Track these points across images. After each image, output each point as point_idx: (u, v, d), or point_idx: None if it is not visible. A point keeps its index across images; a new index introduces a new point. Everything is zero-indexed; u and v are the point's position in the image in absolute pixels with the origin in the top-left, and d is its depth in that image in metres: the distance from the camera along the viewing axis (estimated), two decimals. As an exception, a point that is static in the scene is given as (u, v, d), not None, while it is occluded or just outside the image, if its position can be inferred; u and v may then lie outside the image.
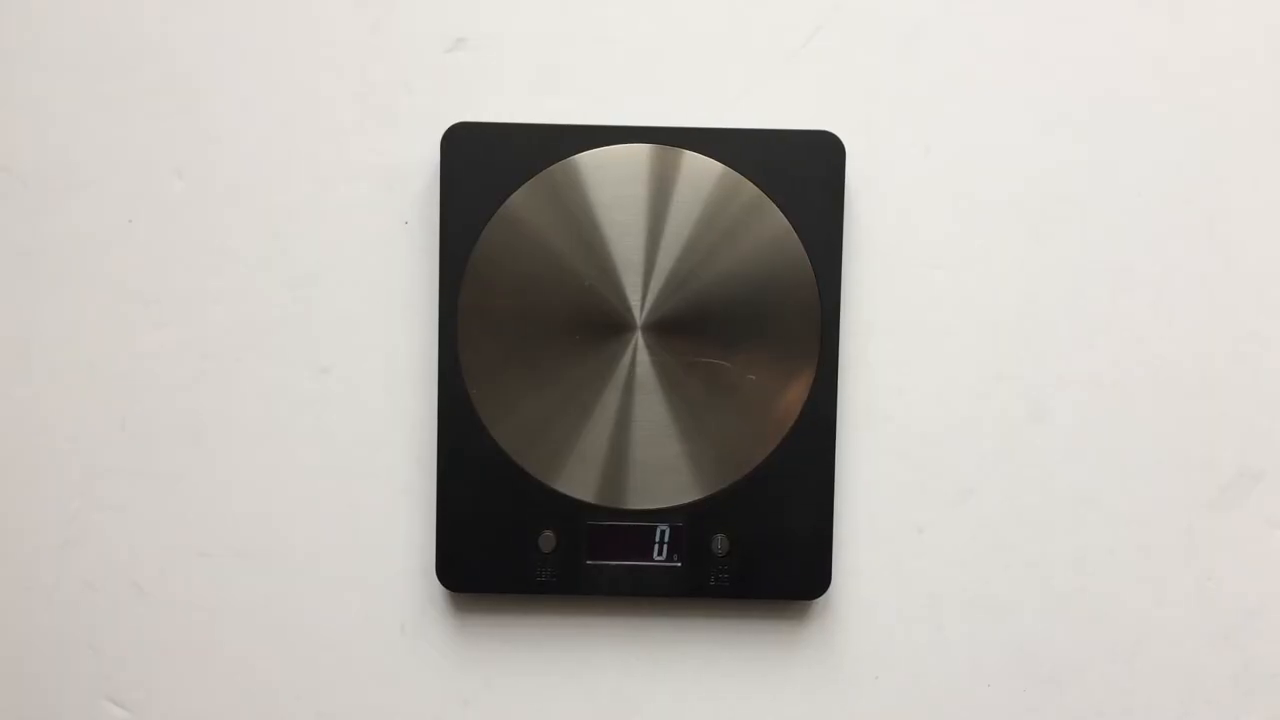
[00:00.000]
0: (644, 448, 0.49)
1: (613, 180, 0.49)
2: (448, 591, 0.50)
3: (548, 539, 0.49)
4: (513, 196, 0.49)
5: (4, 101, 0.51)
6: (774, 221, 0.48)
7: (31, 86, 0.51)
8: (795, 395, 0.49)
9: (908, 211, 0.49)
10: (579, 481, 0.49)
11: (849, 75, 0.51)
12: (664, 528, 0.49)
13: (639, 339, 0.48)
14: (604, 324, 0.48)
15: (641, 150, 0.49)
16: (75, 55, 0.51)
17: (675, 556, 0.49)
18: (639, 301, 0.48)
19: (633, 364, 0.49)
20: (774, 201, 0.48)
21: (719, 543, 0.49)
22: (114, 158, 0.51)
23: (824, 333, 0.49)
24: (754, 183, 0.49)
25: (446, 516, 0.49)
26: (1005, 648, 0.51)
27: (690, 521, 0.49)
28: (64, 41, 0.51)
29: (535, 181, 0.49)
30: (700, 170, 0.49)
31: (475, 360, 0.49)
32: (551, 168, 0.49)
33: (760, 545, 0.49)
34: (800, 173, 0.49)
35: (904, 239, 0.50)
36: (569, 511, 0.49)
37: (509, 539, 0.49)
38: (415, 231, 0.50)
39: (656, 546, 0.49)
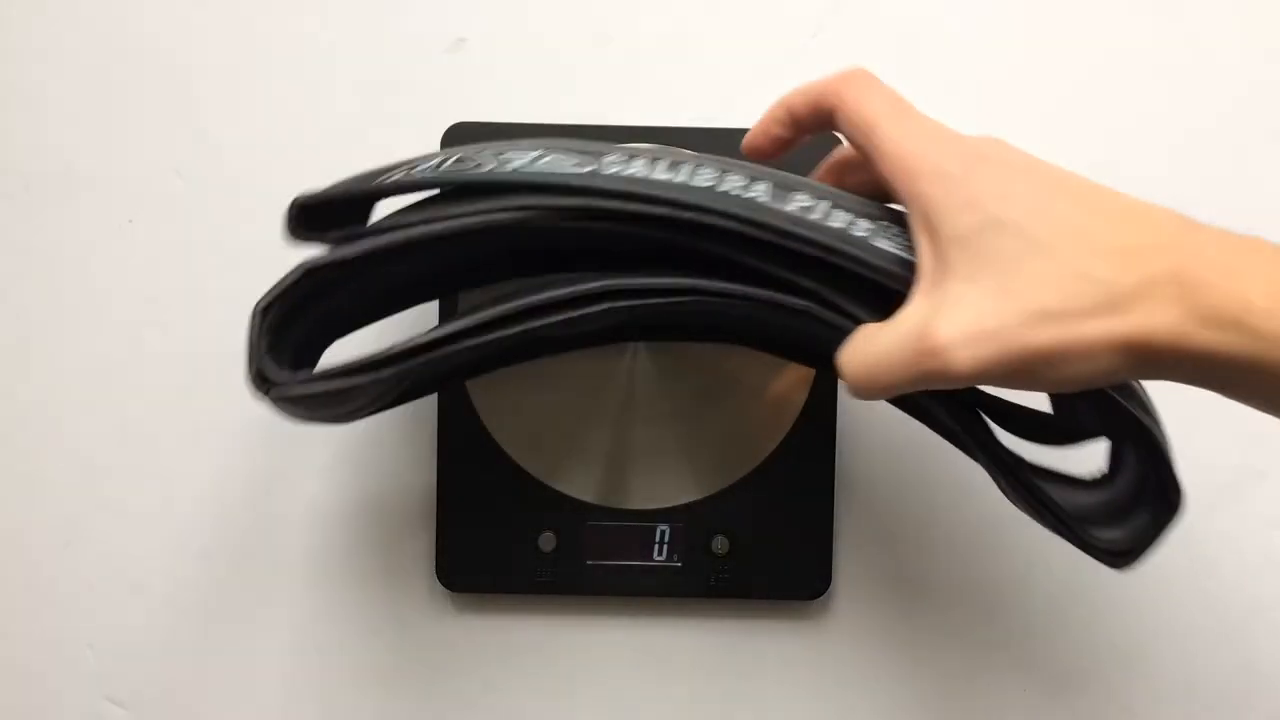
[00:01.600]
0: (644, 448, 0.49)
1: (613, 180, 0.48)
2: (448, 591, 0.50)
3: (548, 539, 0.49)
4: (513, 196, 0.48)
5: (4, 101, 0.51)
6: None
7: (31, 86, 0.51)
8: (795, 395, 0.49)
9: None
10: (579, 481, 0.49)
11: (849, 75, 0.51)
12: (664, 528, 0.49)
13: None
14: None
15: (641, 150, 0.49)
16: (75, 55, 0.51)
17: (675, 556, 0.49)
18: (639, 301, 0.48)
19: (633, 364, 0.49)
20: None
21: (719, 543, 0.49)
22: (114, 158, 0.51)
23: (824, 333, 0.49)
24: (754, 183, 0.48)
25: (446, 516, 0.49)
26: (1005, 648, 0.51)
27: (690, 521, 0.49)
28: (64, 41, 0.51)
29: (535, 181, 0.49)
30: (700, 170, 0.48)
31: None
32: (551, 168, 0.49)
33: (760, 545, 0.49)
34: (801, 172, 0.48)
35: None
36: (569, 511, 0.49)
37: (509, 539, 0.49)
38: (415, 231, 0.50)
39: (656, 546, 0.49)
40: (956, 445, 0.40)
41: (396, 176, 0.39)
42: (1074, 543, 0.38)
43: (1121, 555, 0.37)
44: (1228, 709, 0.51)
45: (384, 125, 0.51)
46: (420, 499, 0.50)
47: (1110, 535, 0.37)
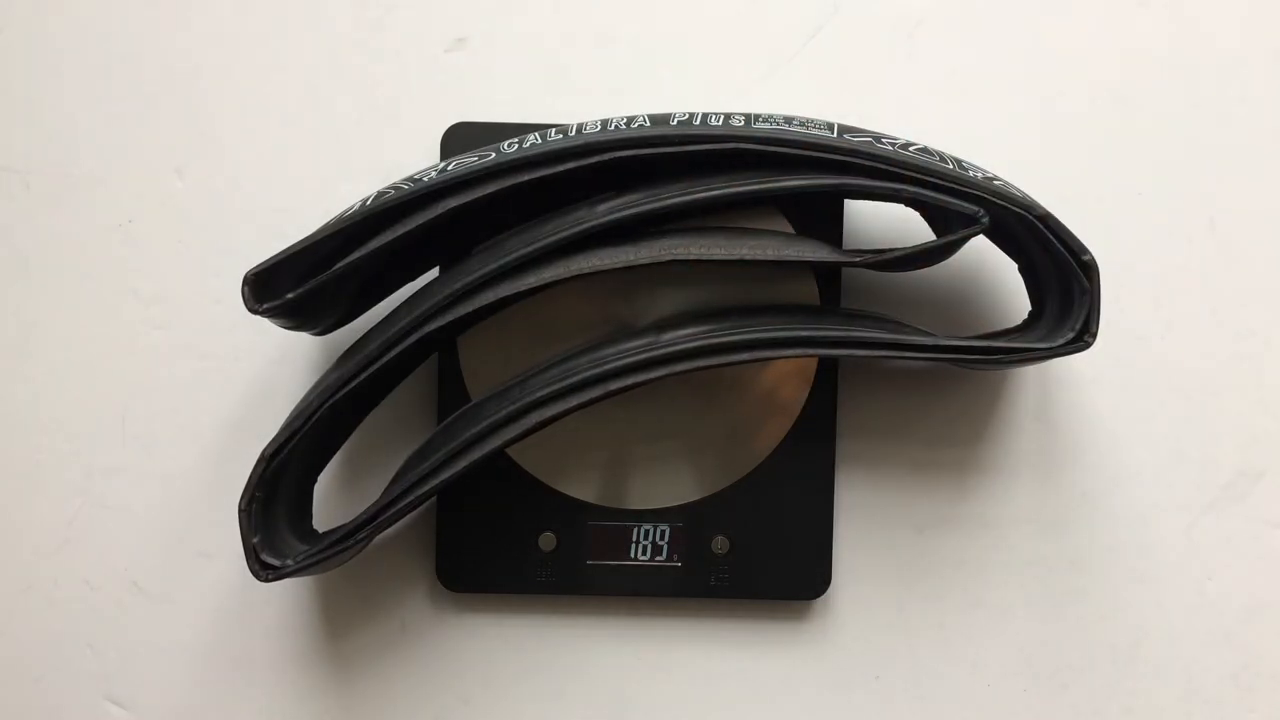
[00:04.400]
0: (644, 448, 0.49)
1: (613, 180, 0.48)
2: (448, 591, 0.50)
3: (548, 539, 0.49)
4: (513, 196, 0.48)
5: (4, 101, 0.51)
6: (774, 222, 0.48)
7: (31, 86, 0.51)
8: (795, 395, 0.49)
9: (907, 212, 0.49)
10: (579, 481, 0.49)
11: (849, 75, 0.51)
12: (664, 528, 0.49)
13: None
14: (604, 323, 0.48)
15: (641, 150, 0.49)
16: (75, 55, 0.51)
17: (675, 556, 0.49)
18: (640, 301, 0.48)
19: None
20: (774, 201, 0.48)
21: (719, 543, 0.49)
22: (114, 158, 0.51)
23: (824, 333, 0.49)
24: (754, 183, 0.48)
25: (446, 516, 0.49)
26: (1005, 648, 0.51)
27: (690, 521, 0.49)
28: (64, 41, 0.51)
29: (535, 181, 0.49)
30: (700, 170, 0.48)
31: (475, 360, 0.49)
32: (551, 168, 0.49)
33: (760, 545, 0.49)
34: (800, 173, 0.48)
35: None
36: (569, 511, 0.49)
37: (509, 539, 0.49)
38: (415, 231, 0.50)
39: (656, 546, 0.49)
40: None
41: (328, 222, 0.44)
42: (1041, 358, 0.45)
43: (1079, 338, 0.44)
44: (1228, 709, 0.51)
45: (384, 125, 0.51)
46: (420, 499, 0.50)
47: (1064, 335, 0.44)
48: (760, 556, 0.49)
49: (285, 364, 0.51)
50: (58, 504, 0.51)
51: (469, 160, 0.44)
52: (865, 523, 0.51)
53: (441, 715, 0.51)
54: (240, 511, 0.44)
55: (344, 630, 0.51)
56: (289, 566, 0.44)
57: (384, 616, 0.51)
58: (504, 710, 0.51)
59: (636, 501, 0.49)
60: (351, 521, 0.45)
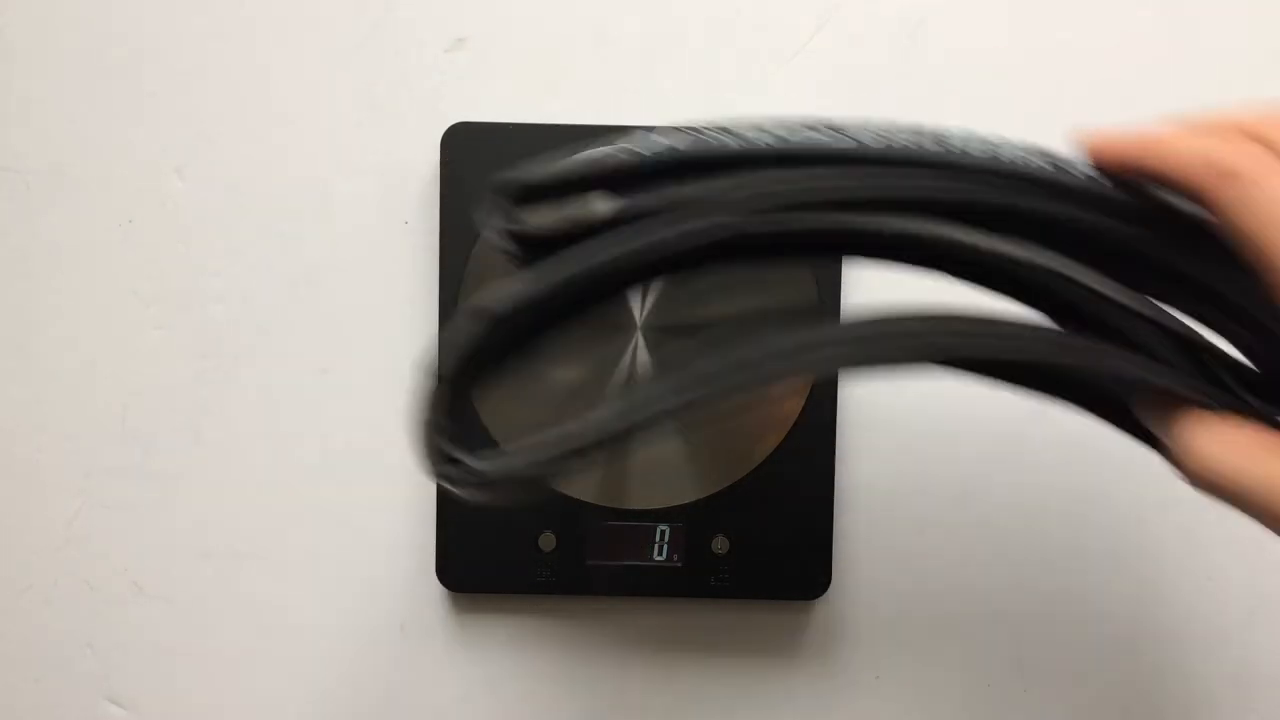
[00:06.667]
0: (644, 447, 0.49)
1: (613, 180, 0.48)
2: (448, 591, 0.50)
3: (548, 539, 0.49)
4: (513, 196, 0.48)
5: (4, 101, 0.51)
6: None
7: (31, 86, 0.51)
8: (795, 395, 0.49)
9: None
10: (579, 481, 0.49)
11: (849, 75, 0.51)
12: (664, 528, 0.49)
13: (639, 339, 0.48)
14: (604, 323, 0.48)
15: (641, 150, 0.49)
16: (75, 55, 0.51)
17: (675, 556, 0.49)
18: (639, 301, 0.48)
19: (633, 364, 0.49)
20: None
21: (719, 543, 0.49)
22: (114, 158, 0.51)
23: (824, 333, 0.49)
24: (754, 183, 0.48)
25: (446, 516, 0.49)
26: (1005, 648, 0.51)
27: (690, 521, 0.49)
28: (64, 41, 0.51)
29: (535, 181, 0.49)
30: (700, 170, 0.48)
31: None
32: (551, 168, 0.49)
33: (760, 545, 0.49)
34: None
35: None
36: (569, 511, 0.49)
37: (509, 539, 0.49)
38: (415, 231, 0.50)
39: (656, 546, 0.49)
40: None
41: (620, 157, 0.31)
42: None
43: None
44: (1228, 709, 0.51)
45: (384, 125, 0.51)
46: (420, 499, 0.50)
47: None
48: (760, 556, 0.49)
49: (284, 364, 0.51)
50: (58, 504, 0.51)
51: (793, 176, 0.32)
52: (865, 523, 0.51)
53: (441, 715, 0.51)
54: (439, 387, 0.33)
55: (344, 630, 0.51)
56: (510, 462, 0.33)
57: (384, 616, 0.51)
58: (504, 710, 0.51)
59: (636, 501, 0.49)
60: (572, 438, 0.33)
